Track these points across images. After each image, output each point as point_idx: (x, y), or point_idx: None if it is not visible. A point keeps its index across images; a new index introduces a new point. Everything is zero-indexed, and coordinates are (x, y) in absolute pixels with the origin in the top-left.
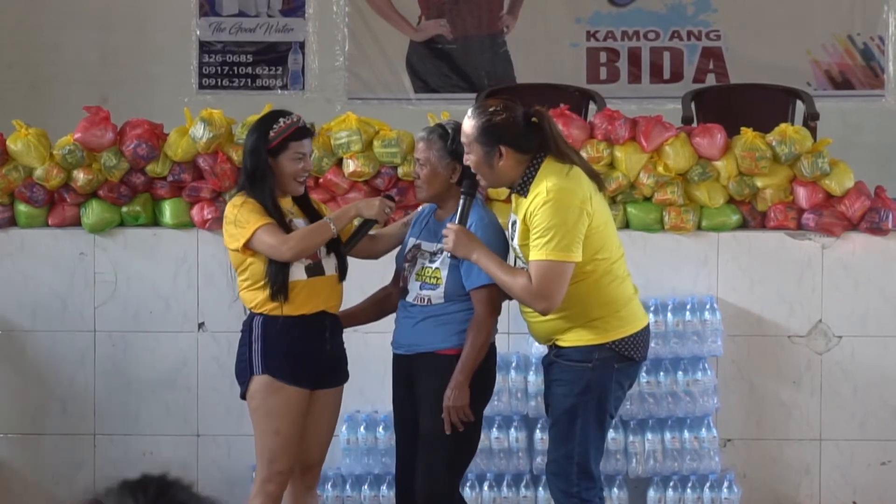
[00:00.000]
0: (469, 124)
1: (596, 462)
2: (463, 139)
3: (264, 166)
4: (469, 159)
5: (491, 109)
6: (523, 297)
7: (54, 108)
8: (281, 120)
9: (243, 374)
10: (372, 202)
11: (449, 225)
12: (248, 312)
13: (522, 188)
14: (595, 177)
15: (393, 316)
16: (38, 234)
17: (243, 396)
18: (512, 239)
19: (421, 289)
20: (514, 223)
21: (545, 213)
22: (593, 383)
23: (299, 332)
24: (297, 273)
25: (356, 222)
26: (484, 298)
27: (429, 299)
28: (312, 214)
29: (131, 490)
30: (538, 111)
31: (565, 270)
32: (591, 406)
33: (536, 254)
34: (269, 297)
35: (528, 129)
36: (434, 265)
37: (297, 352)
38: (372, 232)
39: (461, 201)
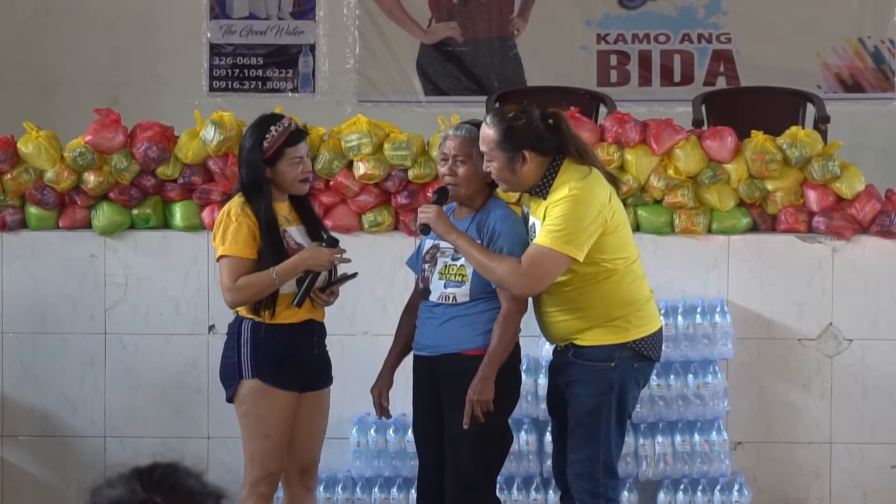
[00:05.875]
0: (490, 132)
1: (618, 459)
2: (483, 147)
3: (261, 178)
4: (490, 167)
5: (510, 115)
6: (506, 276)
7: (64, 110)
8: (272, 128)
9: (230, 378)
10: (320, 256)
11: (424, 206)
12: (235, 314)
13: (542, 190)
14: (611, 178)
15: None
16: (49, 237)
17: (230, 400)
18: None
19: (446, 287)
20: (533, 226)
21: (563, 207)
22: (615, 382)
23: (288, 336)
24: (288, 286)
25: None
26: (512, 294)
27: (454, 297)
28: (310, 221)
29: (139, 475)
30: (554, 113)
31: (561, 263)
32: (613, 405)
33: (540, 239)
34: (253, 310)
35: (547, 131)
36: (458, 262)
37: (286, 356)
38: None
39: (436, 196)
